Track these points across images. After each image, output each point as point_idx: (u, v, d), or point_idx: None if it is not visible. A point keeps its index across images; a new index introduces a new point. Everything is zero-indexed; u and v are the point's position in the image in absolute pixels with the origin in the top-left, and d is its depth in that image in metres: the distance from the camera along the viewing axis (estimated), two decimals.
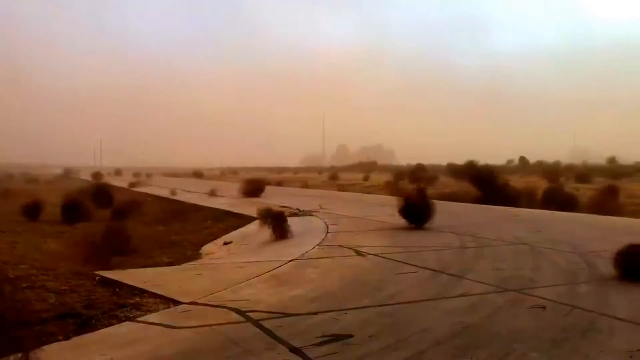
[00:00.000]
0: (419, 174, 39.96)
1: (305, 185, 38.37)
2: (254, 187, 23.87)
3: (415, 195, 12.34)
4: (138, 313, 5.27)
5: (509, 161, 63.51)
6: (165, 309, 5.44)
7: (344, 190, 30.74)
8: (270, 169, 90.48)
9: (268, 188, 26.03)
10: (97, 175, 53.18)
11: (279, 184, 39.26)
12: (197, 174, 66.00)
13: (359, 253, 8.53)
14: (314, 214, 15.07)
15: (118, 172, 67.80)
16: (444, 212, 12.91)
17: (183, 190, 29.38)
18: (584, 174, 39.24)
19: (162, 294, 5.96)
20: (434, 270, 7.15)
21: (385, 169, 72.83)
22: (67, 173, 53.00)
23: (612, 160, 57.23)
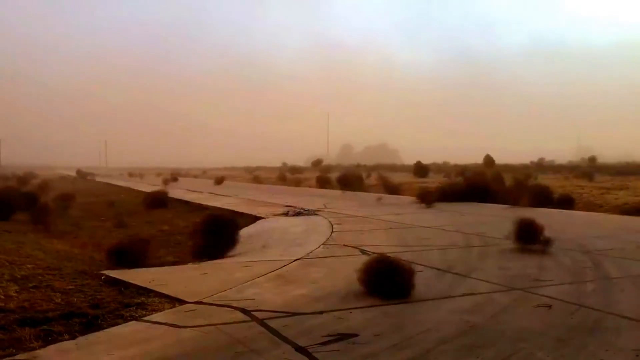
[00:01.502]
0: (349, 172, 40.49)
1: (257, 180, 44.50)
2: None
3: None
4: (143, 312, 5.27)
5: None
6: (170, 308, 5.44)
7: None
8: (248, 168, 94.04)
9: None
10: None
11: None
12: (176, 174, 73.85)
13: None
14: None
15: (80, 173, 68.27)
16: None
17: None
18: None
19: (167, 293, 5.96)
20: (440, 269, 7.14)
21: (389, 168, 72.97)
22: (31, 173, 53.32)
23: (592, 159, 57.00)
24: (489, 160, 40.75)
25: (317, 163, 68.78)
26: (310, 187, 32.99)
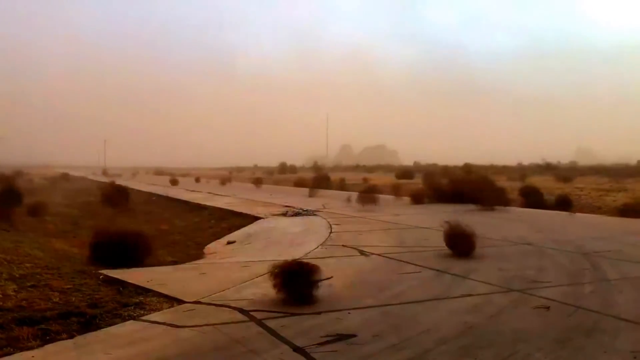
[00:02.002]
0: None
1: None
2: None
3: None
4: (142, 312, 5.27)
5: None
6: (169, 308, 5.44)
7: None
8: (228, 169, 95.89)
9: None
10: None
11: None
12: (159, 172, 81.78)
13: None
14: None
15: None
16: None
17: None
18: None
19: (165, 293, 5.96)
20: (438, 270, 7.14)
21: (386, 168, 73.29)
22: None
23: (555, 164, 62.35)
24: (467, 167, 44.18)
25: (293, 169, 73.08)
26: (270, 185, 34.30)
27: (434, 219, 13.53)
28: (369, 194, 17.76)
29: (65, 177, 56.17)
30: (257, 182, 35.70)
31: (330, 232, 11.06)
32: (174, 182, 39.32)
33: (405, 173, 42.80)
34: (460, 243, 8.12)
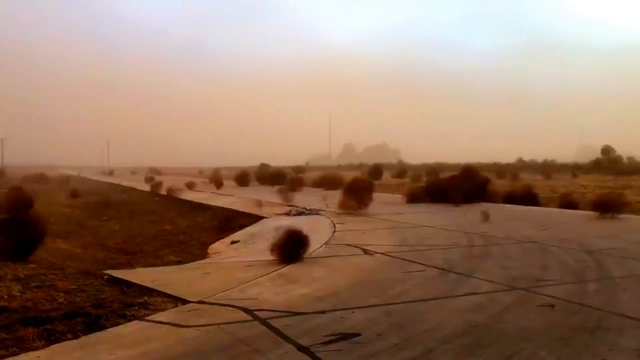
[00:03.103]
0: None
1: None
2: None
3: None
4: (146, 312, 5.28)
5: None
6: (173, 308, 5.45)
7: None
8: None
9: None
10: None
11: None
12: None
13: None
14: None
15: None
16: None
17: None
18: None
19: (170, 293, 5.97)
20: (442, 269, 7.14)
21: (387, 167, 73.48)
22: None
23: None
24: (439, 166, 50.99)
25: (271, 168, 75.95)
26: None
27: (434, 219, 13.52)
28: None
29: (42, 177, 55.80)
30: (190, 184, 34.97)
31: (334, 231, 11.06)
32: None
33: (377, 172, 43.65)
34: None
